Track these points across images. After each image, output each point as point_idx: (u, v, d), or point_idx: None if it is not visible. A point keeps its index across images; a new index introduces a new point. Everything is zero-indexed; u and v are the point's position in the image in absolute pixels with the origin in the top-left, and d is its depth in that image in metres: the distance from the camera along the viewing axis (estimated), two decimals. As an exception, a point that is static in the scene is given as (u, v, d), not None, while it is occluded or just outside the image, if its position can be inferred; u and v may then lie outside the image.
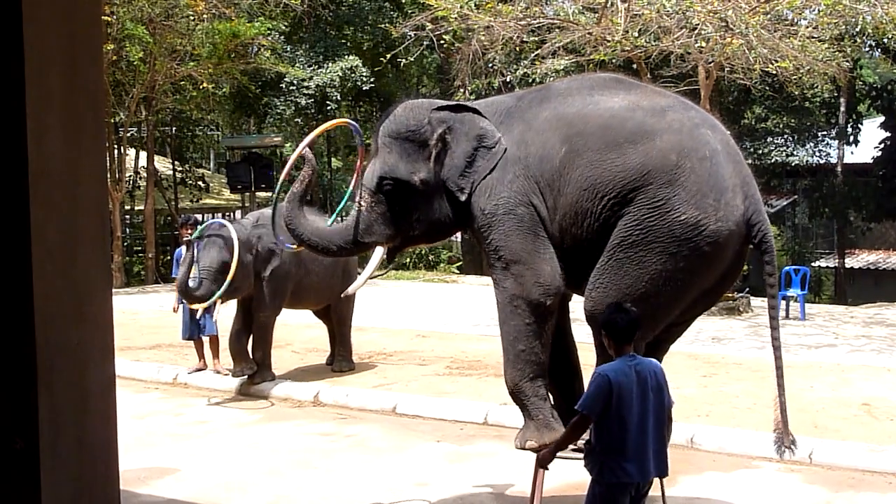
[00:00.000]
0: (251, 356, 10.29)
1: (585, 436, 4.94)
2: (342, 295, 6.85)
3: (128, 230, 28.65)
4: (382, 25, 22.79)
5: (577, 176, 5.77)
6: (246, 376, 10.32)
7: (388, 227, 6.32)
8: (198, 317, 10.41)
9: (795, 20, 16.08)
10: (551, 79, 14.94)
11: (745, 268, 20.20)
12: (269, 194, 27.46)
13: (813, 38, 15.17)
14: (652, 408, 4.75)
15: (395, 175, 6.17)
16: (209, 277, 9.61)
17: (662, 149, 5.65)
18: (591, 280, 5.84)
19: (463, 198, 6.10)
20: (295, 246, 6.85)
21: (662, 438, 4.88)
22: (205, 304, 9.67)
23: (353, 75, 25.38)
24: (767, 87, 22.38)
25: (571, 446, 5.80)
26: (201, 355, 11.16)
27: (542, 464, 5.14)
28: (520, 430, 6.19)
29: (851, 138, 30.09)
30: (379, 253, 6.44)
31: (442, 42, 16.35)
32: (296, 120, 26.89)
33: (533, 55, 16.38)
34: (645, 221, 5.61)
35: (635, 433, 4.69)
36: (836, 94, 27.65)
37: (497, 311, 6.17)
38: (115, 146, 23.91)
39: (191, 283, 9.64)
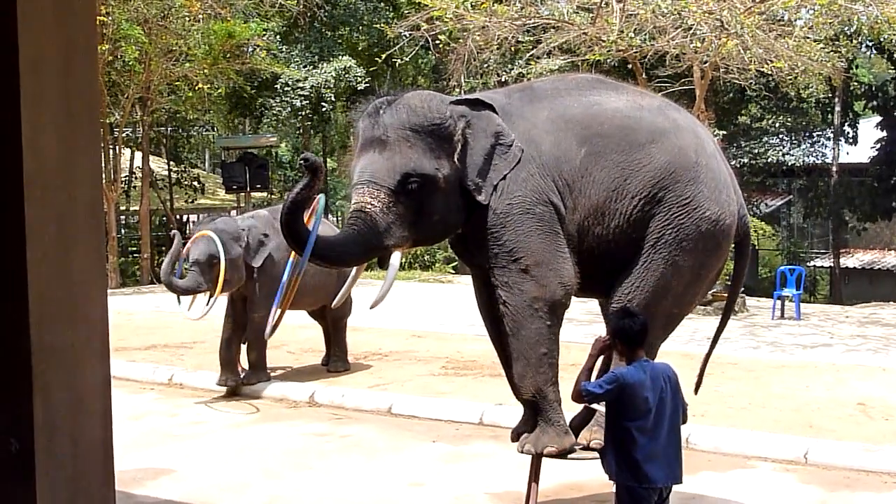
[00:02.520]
0: (244, 358, 10.24)
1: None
2: (369, 308, 6.17)
3: (123, 231, 28.64)
4: (378, 26, 22.78)
5: (602, 177, 5.73)
6: (229, 386, 10.19)
7: (406, 228, 5.73)
8: (188, 309, 10.18)
9: (791, 20, 16.11)
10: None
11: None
12: (265, 194, 27.52)
13: (808, 38, 15.20)
14: (667, 413, 4.75)
15: (422, 171, 5.63)
16: (196, 270, 9.62)
17: (682, 147, 5.80)
18: (622, 282, 5.81)
19: (481, 197, 5.72)
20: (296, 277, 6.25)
21: (677, 444, 4.87)
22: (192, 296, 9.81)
23: (347, 75, 25.40)
24: (763, 87, 22.41)
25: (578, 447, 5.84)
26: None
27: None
28: (533, 435, 5.90)
29: (847, 139, 30.09)
30: (397, 258, 5.90)
31: (437, 42, 16.31)
32: (291, 120, 26.89)
33: (528, 55, 16.41)
34: (676, 220, 5.73)
35: (649, 438, 4.70)
36: (831, 94, 27.64)
37: (508, 315, 5.77)
38: (111, 146, 23.86)
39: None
